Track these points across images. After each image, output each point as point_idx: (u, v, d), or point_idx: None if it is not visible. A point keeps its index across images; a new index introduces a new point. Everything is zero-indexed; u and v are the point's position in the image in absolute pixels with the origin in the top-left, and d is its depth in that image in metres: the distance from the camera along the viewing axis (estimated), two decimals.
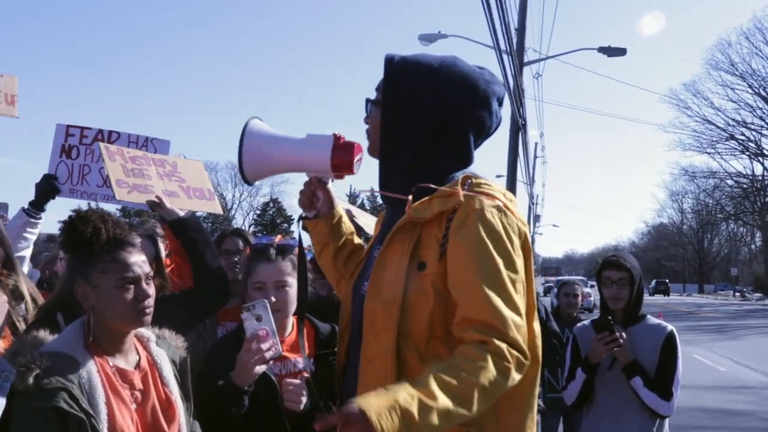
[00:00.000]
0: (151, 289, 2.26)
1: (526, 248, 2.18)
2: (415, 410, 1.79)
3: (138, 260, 2.24)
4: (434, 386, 1.86)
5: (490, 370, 1.92)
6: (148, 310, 2.22)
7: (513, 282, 2.07)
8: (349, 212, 4.15)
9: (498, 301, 2.00)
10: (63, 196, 4.07)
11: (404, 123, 2.27)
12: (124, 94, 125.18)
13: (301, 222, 2.68)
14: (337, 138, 2.42)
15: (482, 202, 2.12)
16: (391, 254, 2.18)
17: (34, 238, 4.02)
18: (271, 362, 2.73)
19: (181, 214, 3.37)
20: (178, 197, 3.55)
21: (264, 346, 2.65)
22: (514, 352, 1.98)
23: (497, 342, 1.95)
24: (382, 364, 2.11)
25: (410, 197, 2.20)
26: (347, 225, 2.69)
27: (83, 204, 3.90)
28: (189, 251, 3.31)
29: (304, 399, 2.80)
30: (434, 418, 1.82)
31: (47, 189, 3.98)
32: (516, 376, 1.98)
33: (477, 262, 2.04)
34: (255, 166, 2.49)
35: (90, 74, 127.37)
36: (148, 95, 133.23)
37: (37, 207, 3.96)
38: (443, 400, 1.84)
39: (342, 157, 2.42)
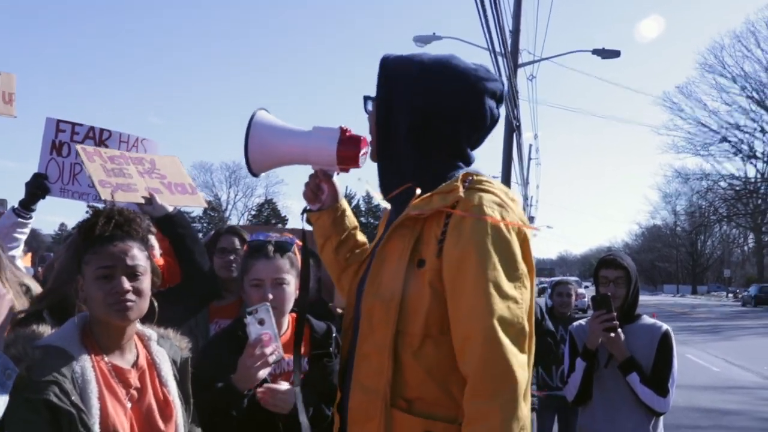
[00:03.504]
0: (135, 284, 2.18)
1: (526, 249, 2.15)
2: None
3: (119, 253, 2.17)
4: None
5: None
6: (127, 304, 2.14)
7: (512, 277, 2.04)
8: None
9: (493, 306, 1.98)
10: (53, 195, 3.96)
11: (395, 118, 2.25)
12: (126, 96, 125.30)
13: (304, 215, 2.65)
14: (343, 131, 2.42)
15: (481, 198, 2.11)
16: (390, 251, 2.17)
17: (24, 237, 3.93)
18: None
19: (170, 209, 3.33)
20: (161, 194, 3.49)
21: (267, 350, 2.63)
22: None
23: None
24: (377, 360, 2.10)
25: (418, 192, 2.18)
26: (351, 219, 2.67)
27: (75, 204, 3.87)
28: (177, 248, 3.29)
29: (290, 403, 2.75)
30: None
31: (36, 189, 3.88)
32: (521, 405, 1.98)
33: (474, 259, 2.02)
34: (260, 158, 2.49)
35: (92, 76, 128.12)
36: (149, 98, 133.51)
37: (26, 207, 3.87)
38: None
39: (348, 151, 2.41)
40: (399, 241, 2.15)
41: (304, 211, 2.64)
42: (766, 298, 50.96)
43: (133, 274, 2.19)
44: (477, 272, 2.00)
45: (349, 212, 2.67)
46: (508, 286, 2.02)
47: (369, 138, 2.41)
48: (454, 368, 2.05)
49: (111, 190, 3.34)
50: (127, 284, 2.16)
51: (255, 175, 2.56)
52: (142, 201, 3.35)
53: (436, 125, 2.24)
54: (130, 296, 2.16)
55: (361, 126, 2.47)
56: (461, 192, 2.12)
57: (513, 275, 2.05)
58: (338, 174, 2.57)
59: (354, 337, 2.36)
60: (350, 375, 2.29)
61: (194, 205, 3.74)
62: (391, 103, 2.26)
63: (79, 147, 3.54)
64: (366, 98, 2.37)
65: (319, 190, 2.58)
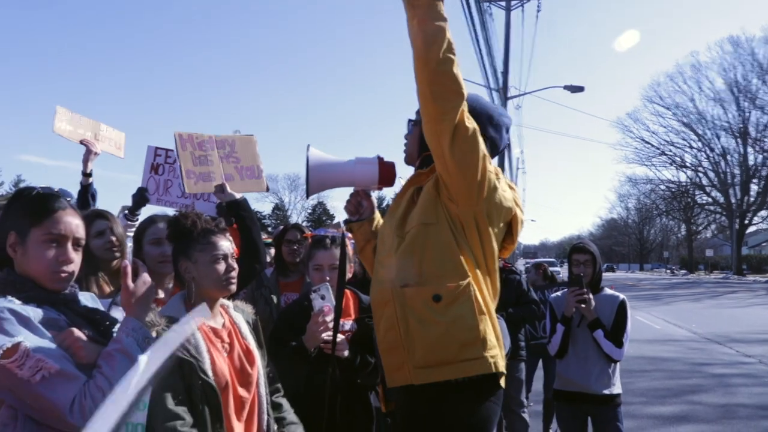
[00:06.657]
0: (236, 264, 2.27)
1: (515, 222, 2.28)
2: None
3: (225, 243, 2.25)
4: None
5: None
6: (233, 280, 2.24)
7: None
8: None
9: None
10: (152, 204, 4.00)
11: None
12: (201, 112, 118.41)
13: (345, 225, 2.63)
14: (380, 159, 2.43)
15: None
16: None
17: (131, 236, 3.98)
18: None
19: (237, 196, 3.19)
20: (233, 180, 3.34)
21: (327, 318, 2.66)
22: None
23: None
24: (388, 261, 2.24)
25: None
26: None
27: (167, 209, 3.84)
28: (240, 226, 3.12)
29: (346, 352, 2.79)
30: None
31: (140, 199, 3.94)
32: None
33: None
34: (318, 187, 2.43)
35: (169, 93, 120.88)
36: (226, 117, 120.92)
37: (133, 213, 3.93)
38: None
39: (388, 173, 2.43)
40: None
41: (347, 222, 2.62)
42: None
43: (232, 257, 2.27)
44: None
45: (380, 219, 2.64)
46: None
47: (400, 154, 2.43)
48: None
49: (194, 181, 3.26)
50: (236, 265, 2.26)
51: (308, 196, 2.49)
52: (219, 185, 3.25)
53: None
54: (234, 274, 2.24)
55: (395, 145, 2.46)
56: None
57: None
58: (373, 191, 2.58)
59: None
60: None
61: (257, 190, 3.53)
62: None
63: (176, 134, 3.36)
64: (410, 121, 2.40)
65: (359, 206, 2.60)
